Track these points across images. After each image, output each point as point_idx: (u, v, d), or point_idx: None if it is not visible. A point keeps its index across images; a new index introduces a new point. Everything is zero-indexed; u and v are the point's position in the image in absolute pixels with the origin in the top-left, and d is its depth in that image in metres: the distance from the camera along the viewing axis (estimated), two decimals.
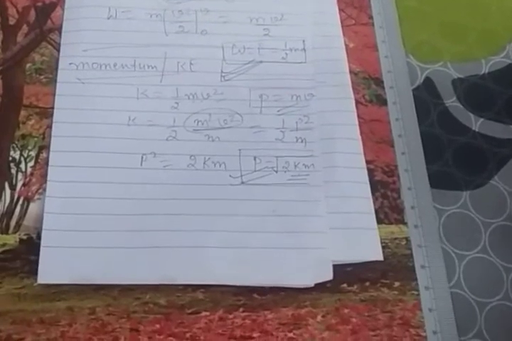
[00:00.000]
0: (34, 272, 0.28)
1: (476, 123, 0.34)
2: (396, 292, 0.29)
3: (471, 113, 0.34)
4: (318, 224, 0.30)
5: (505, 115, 0.34)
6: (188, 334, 0.28)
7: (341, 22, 0.35)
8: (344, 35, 0.35)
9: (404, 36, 0.36)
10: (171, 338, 0.27)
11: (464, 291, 0.30)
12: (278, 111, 0.32)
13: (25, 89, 0.33)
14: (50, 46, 0.34)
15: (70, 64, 0.33)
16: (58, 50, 0.33)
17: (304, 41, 0.34)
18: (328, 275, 0.29)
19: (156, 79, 0.33)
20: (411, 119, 0.33)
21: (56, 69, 0.33)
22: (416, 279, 0.29)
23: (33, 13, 0.35)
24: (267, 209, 0.30)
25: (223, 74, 0.33)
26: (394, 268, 0.30)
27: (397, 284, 0.29)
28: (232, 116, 0.32)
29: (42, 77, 0.33)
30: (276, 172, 0.31)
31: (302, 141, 0.32)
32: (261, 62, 0.33)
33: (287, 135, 0.32)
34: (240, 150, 0.31)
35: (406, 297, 0.29)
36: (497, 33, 0.37)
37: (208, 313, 0.28)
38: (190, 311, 0.28)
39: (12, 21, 0.35)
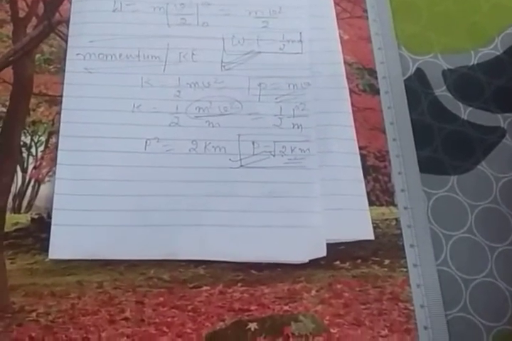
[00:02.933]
0: (45, 249, 0.30)
1: (465, 112, 0.36)
2: (386, 269, 0.31)
3: (460, 102, 0.36)
4: (312, 205, 0.32)
5: (493, 104, 0.36)
6: (189, 307, 0.29)
7: (337, 15, 0.37)
8: (339, 27, 0.37)
9: (397, 29, 0.37)
10: (173, 310, 0.29)
11: (451, 269, 0.31)
12: (276, 98, 0.34)
13: (35, 79, 0.34)
14: (58, 38, 0.36)
15: (78, 54, 0.35)
16: (66, 42, 0.35)
17: (300, 33, 0.36)
18: (322, 252, 0.30)
19: (159, 68, 0.34)
20: (402, 108, 0.35)
21: (64, 59, 0.35)
22: (405, 257, 0.31)
23: (41, 6, 0.36)
24: (264, 190, 0.32)
25: (223, 64, 0.35)
26: (384, 247, 0.31)
27: (387, 261, 0.31)
28: (231, 104, 0.34)
29: (51, 67, 0.35)
30: (274, 156, 0.33)
31: (299, 127, 0.34)
32: (259, 52, 0.35)
33: (284, 121, 0.34)
34: (239, 135, 0.33)
35: (395, 273, 0.31)
36: (486, 26, 0.39)
37: (208, 288, 0.30)
38: (191, 285, 0.30)
39: (22, 14, 0.36)
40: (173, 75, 0.34)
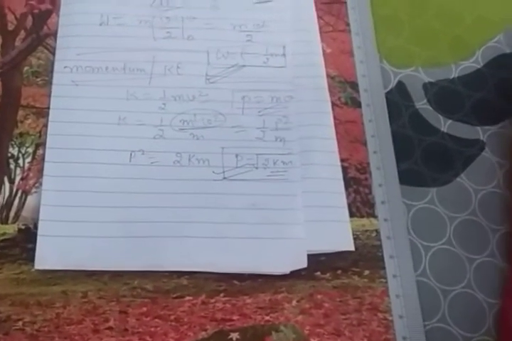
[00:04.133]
0: (31, 259, 0.30)
1: (445, 125, 0.36)
2: (366, 279, 0.32)
3: (440, 115, 0.37)
4: (295, 217, 0.32)
5: (473, 117, 0.37)
6: (172, 317, 0.30)
7: (319, 29, 0.38)
8: (322, 41, 0.37)
9: (379, 42, 0.38)
10: (156, 320, 0.30)
11: (429, 279, 0.32)
12: (259, 112, 0.35)
13: (23, 91, 0.35)
14: (46, 50, 0.36)
15: (65, 67, 0.35)
16: (54, 54, 0.36)
17: (284, 47, 0.36)
18: (303, 264, 0.31)
19: (144, 81, 0.35)
20: (383, 120, 0.36)
21: (52, 72, 0.35)
22: (384, 268, 0.32)
23: (30, 19, 0.37)
24: (247, 202, 0.32)
25: (208, 77, 0.35)
26: (364, 258, 0.32)
27: (366, 272, 0.32)
28: (215, 117, 0.34)
29: (38, 79, 0.36)
30: (257, 168, 0.33)
31: (281, 140, 0.34)
32: (243, 66, 0.36)
33: (267, 134, 0.34)
34: (222, 148, 0.34)
35: (375, 284, 0.31)
36: (468, 39, 0.39)
37: (191, 298, 0.30)
38: (175, 296, 0.30)
39: (11, 27, 0.37)
40: (158, 88, 0.35)
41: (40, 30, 0.37)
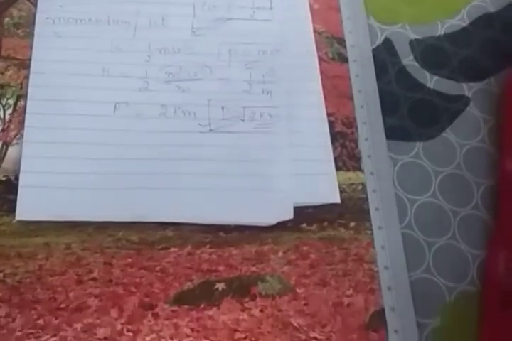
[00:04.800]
0: (12, 210, 0.30)
1: (431, 81, 0.36)
2: (352, 231, 0.32)
3: (427, 71, 0.37)
4: (280, 169, 0.32)
5: (459, 73, 0.37)
6: (157, 268, 0.30)
7: None
8: None
9: None
10: (142, 271, 0.29)
11: (414, 232, 0.32)
12: (245, 64, 0.34)
13: (4, 42, 0.34)
14: (27, 2, 0.35)
15: (47, 18, 0.34)
16: (35, 6, 0.35)
17: (271, 0, 0.36)
18: (289, 215, 0.31)
19: (129, 33, 0.34)
20: (370, 76, 0.35)
21: (33, 23, 0.34)
22: (370, 220, 0.32)
23: None
24: (233, 154, 0.32)
25: (194, 30, 0.35)
26: (350, 210, 0.32)
27: (352, 224, 0.32)
28: (201, 69, 0.34)
29: (19, 30, 0.34)
30: (243, 121, 0.33)
31: (268, 93, 0.34)
32: (230, 19, 0.35)
33: (254, 87, 0.34)
34: (208, 100, 0.33)
35: (361, 236, 0.32)
36: None
37: (176, 249, 0.30)
38: (160, 247, 0.30)
39: None
40: (143, 40, 0.34)
41: None
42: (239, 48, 0.34)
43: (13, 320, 0.28)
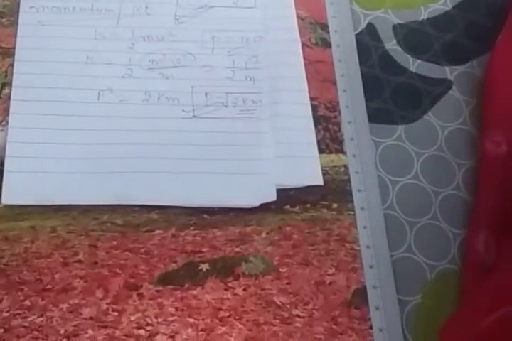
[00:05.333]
0: None
1: (414, 65, 0.37)
2: (334, 212, 0.32)
3: (409, 55, 0.37)
4: (263, 152, 0.32)
5: (441, 57, 0.37)
6: (142, 250, 0.30)
7: None
8: None
9: None
10: (126, 253, 0.30)
11: (396, 212, 0.33)
12: (228, 51, 0.35)
13: None
14: None
15: (31, 7, 0.35)
16: None
17: None
18: (272, 197, 0.31)
19: (112, 21, 0.35)
20: (353, 60, 0.36)
21: (17, 12, 0.35)
22: (352, 201, 0.32)
23: None
24: (217, 139, 0.32)
25: (177, 18, 0.35)
26: (333, 192, 0.32)
27: (335, 205, 0.32)
28: (185, 56, 0.34)
29: (4, 19, 0.35)
30: (226, 107, 0.33)
31: (251, 79, 0.34)
32: (213, 6, 0.36)
33: (237, 73, 0.34)
34: (192, 87, 0.33)
35: (343, 216, 0.32)
36: None
37: (161, 231, 0.31)
38: (145, 229, 0.31)
39: None
40: (127, 28, 0.34)
41: None
42: (222, 35, 0.35)
43: (0, 301, 0.28)
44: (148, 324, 0.28)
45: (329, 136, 0.34)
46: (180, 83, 0.34)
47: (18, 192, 0.30)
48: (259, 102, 0.34)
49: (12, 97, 0.32)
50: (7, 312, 0.28)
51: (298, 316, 0.29)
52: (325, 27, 0.37)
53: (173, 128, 0.33)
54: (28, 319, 0.28)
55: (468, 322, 0.28)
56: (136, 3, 0.35)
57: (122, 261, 0.30)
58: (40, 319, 0.28)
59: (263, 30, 0.35)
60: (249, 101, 0.34)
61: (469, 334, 0.27)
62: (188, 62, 0.34)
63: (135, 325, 0.28)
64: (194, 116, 0.33)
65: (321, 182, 0.33)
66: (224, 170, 0.32)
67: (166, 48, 0.34)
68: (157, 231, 0.31)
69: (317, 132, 0.34)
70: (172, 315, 0.29)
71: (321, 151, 0.33)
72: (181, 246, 0.30)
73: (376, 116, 0.35)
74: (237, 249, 0.31)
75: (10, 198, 0.30)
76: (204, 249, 0.31)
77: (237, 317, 0.29)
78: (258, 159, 0.32)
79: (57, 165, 0.31)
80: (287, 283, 0.30)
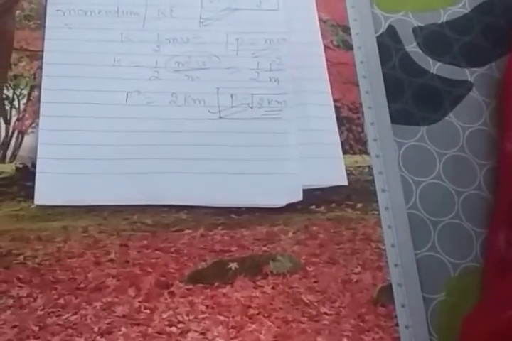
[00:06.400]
0: (30, 196, 0.31)
1: (434, 67, 0.37)
2: (359, 212, 0.33)
3: (430, 57, 0.37)
4: (289, 153, 0.33)
5: (460, 59, 0.38)
6: (172, 249, 0.31)
7: None
8: None
9: None
10: (157, 252, 0.31)
11: (420, 212, 0.33)
12: (253, 53, 0.35)
13: (16, 34, 0.35)
14: None
15: (57, 11, 0.35)
16: None
17: None
18: (298, 197, 0.32)
19: (138, 24, 0.35)
20: (374, 62, 0.36)
21: (44, 15, 0.35)
22: (377, 201, 0.33)
23: None
24: (243, 140, 0.33)
25: (201, 20, 0.36)
26: (357, 192, 0.33)
27: (359, 205, 0.33)
28: (210, 58, 0.35)
29: (31, 23, 0.35)
30: (252, 108, 0.34)
31: (275, 81, 0.35)
32: (236, 9, 0.36)
33: (261, 75, 0.35)
34: (217, 88, 0.34)
35: (368, 216, 0.33)
36: None
37: (190, 231, 0.31)
38: (174, 229, 0.31)
39: None
40: (153, 31, 0.35)
41: None
42: (246, 37, 0.35)
43: (35, 299, 0.29)
44: (179, 321, 0.29)
45: (353, 137, 0.35)
46: (205, 85, 0.34)
47: (50, 193, 0.31)
48: (284, 103, 0.34)
49: (42, 100, 0.33)
50: (42, 310, 0.29)
51: (325, 314, 0.30)
52: (346, 29, 0.37)
53: (199, 129, 0.33)
54: (63, 317, 0.28)
55: (489, 315, 0.28)
56: (161, 7, 0.36)
57: (153, 260, 0.30)
58: (74, 317, 0.29)
59: (286, 32, 0.36)
60: (274, 102, 0.34)
61: (490, 327, 0.28)
62: (213, 64, 0.35)
63: (167, 323, 0.29)
64: (220, 117, 0.34)
65: (345, 183, 0.33)
66: (250, 170, 0.32)
67: (192, 51, 0.35)
68: (186, 231, 0.31)
69: (341, 133, 0.34)
70: (203, 312, 0.29)
71: (345, 152, 0.34)
72: (210, 245, 0.31)
73: (398, 117, 0.35)
74: (264, 248, 0.31)
75: (42, 199, 0.30)
76: (232, 248, 0.31)
77: (266, 315, 0.30)
78: (284, 159, 0.33)
79: (88, 166, 0.31)
80: (314, 282, 0.31)
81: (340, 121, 0.35)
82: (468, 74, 0.37)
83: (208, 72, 0.34)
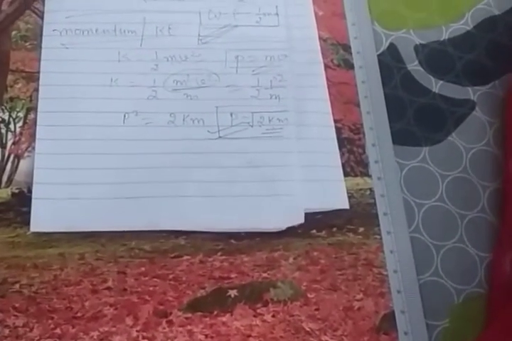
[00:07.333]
0: (26, 222, 0.30)
1: (436, 85, 0.37)
2: (360, 236, 0.32)
3: (432, 76, 0.37)
4: (290, 173, 0.32)
5: (463, 77, 0.37)
6: (171, 276, 0.30)
7: None
8: (314, 3, 0.37)
9: (370, 5, 0.38)
10: (155, 279, 0.30)
11: (423, 235, 0.33)
12: (253, 71, 0.35)
13: (12, 55, 0.34)
14: (34, 14, 0.36)
15: (54, 30, 0.35)
16: (42, 18, 0.35)
17: (276, 6, 0.36)
18: (300, 219, 0.31)
19: (136, 43, 0.34)
20: (376, 82, 0.36)
21: (40, 36, 0.35)
22: (379, 225, 0.32)
23: None
24: (243, 160, 0.32)
25: (200, 38, 0.35)
26: (359, 215, 0.33)
27: (361, 229, 0.32)
28: (209, 76, 0.34)
29: (27, 43, 0.35)
30: (252, 126, 0.33)
31: (276, 98, 0.34)
32: (236, 26, 0.36)
33: (262, 92, 0.34)
34: (217, 107, 0.33)
35: (369, 241, 0.32)
36: (457, 2, 0.39)
37: (189, 257, 0.31)
38: (172, 255, 0.31)
39: None
40: (150, 49, 0.34)
41: None
42: (246, 54, 0.35)
43: (31, 329, 0.28)
44: None
45: (354, 158, 0.34)
46: (204, 104, 0.34)
47: (47, 220, 0.30)
48: (285, 120, 0.34)
49: (38, 123, 0.32)
50: (38, 340, 0.28)
51: None
52: (347, 48, 0.37)
53: (198, 150, 0.32)
54: None
55: None
56: (159, 24, 0.35)
57: (151, 288, 0.30)
58: None
59: (287, 48, 0.36)
60: (275, 120, 0.34)
61: None
62: (213, 82, 0.34)
63: None
64: (220, 137, 0.33)
65: (347, 206, 0.32)
66: (250, 192, 0.32)
67: (190, 69, 0.34)
68: (185, 257, 0.31)
69: (342, 155, 0.34)
70: None
71: (346, 174, 0.33)
72: (209, 271, 0.30)
73: (400, 137, 0.35)
74: (264, 275, 0.31)
75: (39, 226, 0.30)
76: (232, 275, 0.31)
77: None
78: (284, 180, 0.32)
79: (84, 191, 0.31)
80: (316, 309, 0.30)
81: (341, 142, 0.34)
82: (471, 92, 0.37)
83: (207, 91, 0.34)
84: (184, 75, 0.34)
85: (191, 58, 0.34)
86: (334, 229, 0.32)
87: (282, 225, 0.31)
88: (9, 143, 0.32)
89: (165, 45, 0.34)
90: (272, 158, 0.32)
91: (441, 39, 0.38)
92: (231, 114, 0.33)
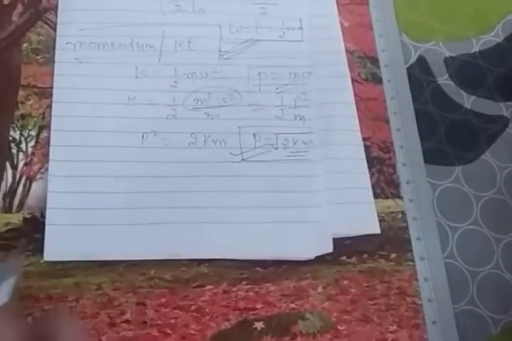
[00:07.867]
0: (39, 250, 0.29)
1: (468, 101, 0.35)
2: (393, 263, 0.30)
3: (463, 90, 0.35)
4: (317, 199, 0.31)
5: (495, 92, 0.35)
6: (193, 307, 0.28)
7: (336, 1, 0.36)
8: (339, 14, 0.36)
9: (398, 15, 0.36)
10: (176, 311, 0.28)
11: (457, 261, 0.31)
12: (276, 88, 0.33)
13: (23, 69, 0.33)
14: (46, 26, 0.34)
15: (67, 43, 0.33)
16: (55, 30, 0.33)
17: (300, 20, 0.34)
18: (328, 248, 0.30)
19: (154, 58, 0.33)
20: (405, 97, 0.34)
21: (53, 48, 0.33)
22: (411, 250, 0.31)
23: None
24: (267, 185, 0.31)
25: (221, 53, 0.33)
26: (390, 241, 0.31)
27: (393, 255, 0.31)
28: (231, 95, 0.32)
29: (39, 57, 0.33)
30: (276, 149, 0.32)
31: (301, 119, 0.32)
32: (258, 40, 0.34)
33: (286, 112, 0.32)
34: (239, 127, 0.32)
35: (402, 267, 0.30)
36: (487, 13, 0.38)
37: (212, 287, 0.29)
38: (194, 285, 0.29)
39: (7, 1, 0.34)
40: (169, 65, 0.33)
41: (39, 3, 0.34)
42: (269, 71, 0.33)
43: None
44: None
45: (384, 179, 0.32)
46: (226, 123, 0.32)
47: (61, 248, 0.28)
48: (310, 143, 0.32)
49: (51, 143, 0.30)
50: None
51: None
52: (375, 61, 0.35)
53: (220, 173, 0.31)
54: None
55: None
56: (178, 38, 0.33)
57: (172, 320, 0.28)
58: None
59: (311, 65, 0.34)
60: (300, 143, 0.32)
61: None
62: (235, 101, 0.32)
63: None
64: (243, 160, 0.31)
65: (377, 231, 0.31)
66: (276, 219, 0.30)
67: (211, 86, 0.33)
68: (208, 287, 0.29)
69: (371, 175, 0.32)
70: None
71: (376, 196, 0.32)
72: (234, 302, 0.29)
73: (431, 156, 0.33)
74: (292, 305, 0.29)
75: (53, 254, 0.28)
76: (258, 306, 0.29)
77: None
78: (312, 206, 0.30)
79: (101, 217, 0.29)
80: None
81: (371, 161, 0.32)
82: (504, 108, 0.35)
83: (229, 110, 0.32)
84: (205, 93, 0.32)
85: (212, 75, 0.33)
86: (365, 256, 0.30)
87: (310, 254, 0.29)
88: (21, 163, 0.31)
89: (184, 60, 0.33)
90: (298, 183, 0.31)
91: (472, 51, 0.36)
92: (254, 135, 0.31)
